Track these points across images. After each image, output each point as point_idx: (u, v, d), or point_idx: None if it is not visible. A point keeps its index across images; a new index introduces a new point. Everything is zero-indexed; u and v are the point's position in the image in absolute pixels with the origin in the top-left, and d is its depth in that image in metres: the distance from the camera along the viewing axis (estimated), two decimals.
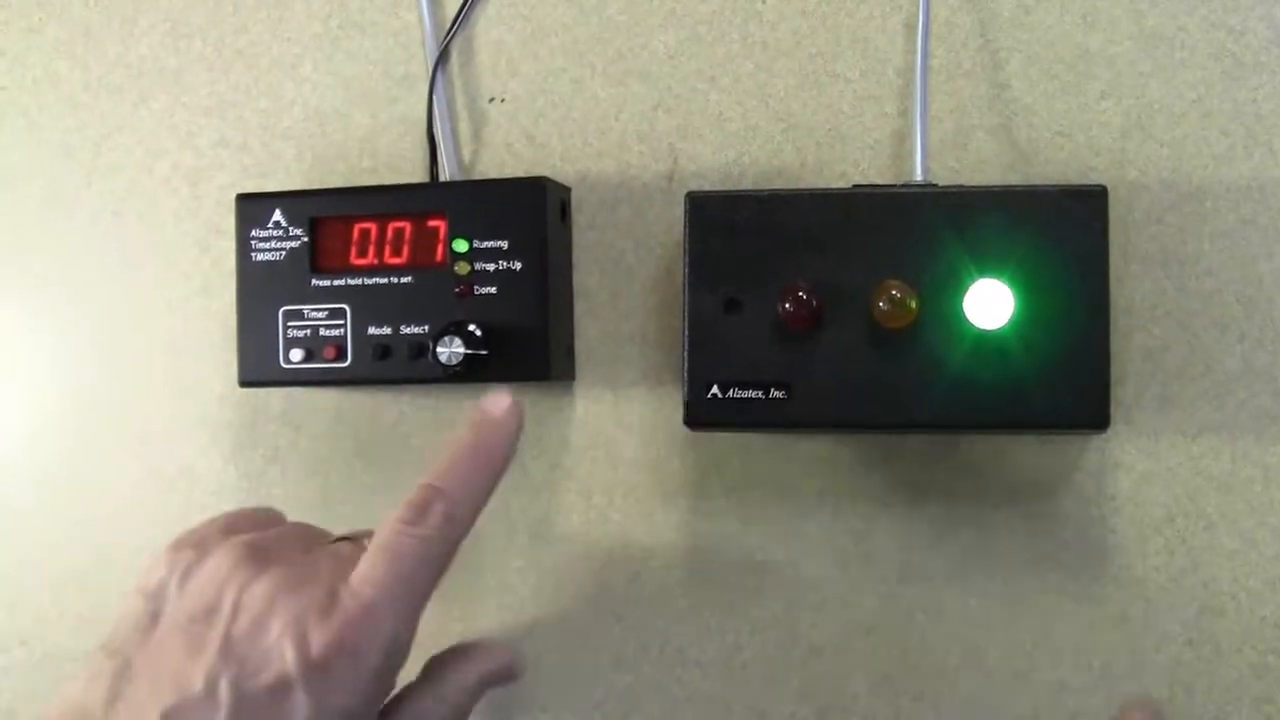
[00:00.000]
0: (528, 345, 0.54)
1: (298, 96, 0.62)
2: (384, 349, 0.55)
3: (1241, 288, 0.52)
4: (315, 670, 0.40)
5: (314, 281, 0.56)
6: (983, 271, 0.48)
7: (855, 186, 0.52)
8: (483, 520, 0.58)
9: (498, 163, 0.59)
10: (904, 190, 0.51)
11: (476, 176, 0.59)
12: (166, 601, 0.43)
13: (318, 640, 0.40)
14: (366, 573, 0.42)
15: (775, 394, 0.50)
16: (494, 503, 0.58)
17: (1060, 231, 0.48)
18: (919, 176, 0.52)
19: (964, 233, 0.48)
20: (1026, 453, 0.54)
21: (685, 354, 0.51)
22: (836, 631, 0.55)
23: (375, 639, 0.41)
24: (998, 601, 0.54)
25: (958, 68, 0.55)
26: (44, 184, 0.65)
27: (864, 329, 0.49)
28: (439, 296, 0.55)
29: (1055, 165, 0.54)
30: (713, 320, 0.50)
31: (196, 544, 0.45)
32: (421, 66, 0.60)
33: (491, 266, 0.54)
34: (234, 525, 0.47)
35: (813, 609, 0.56)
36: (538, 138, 0.59)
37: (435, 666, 0.48)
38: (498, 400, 0.48)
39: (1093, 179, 0.53)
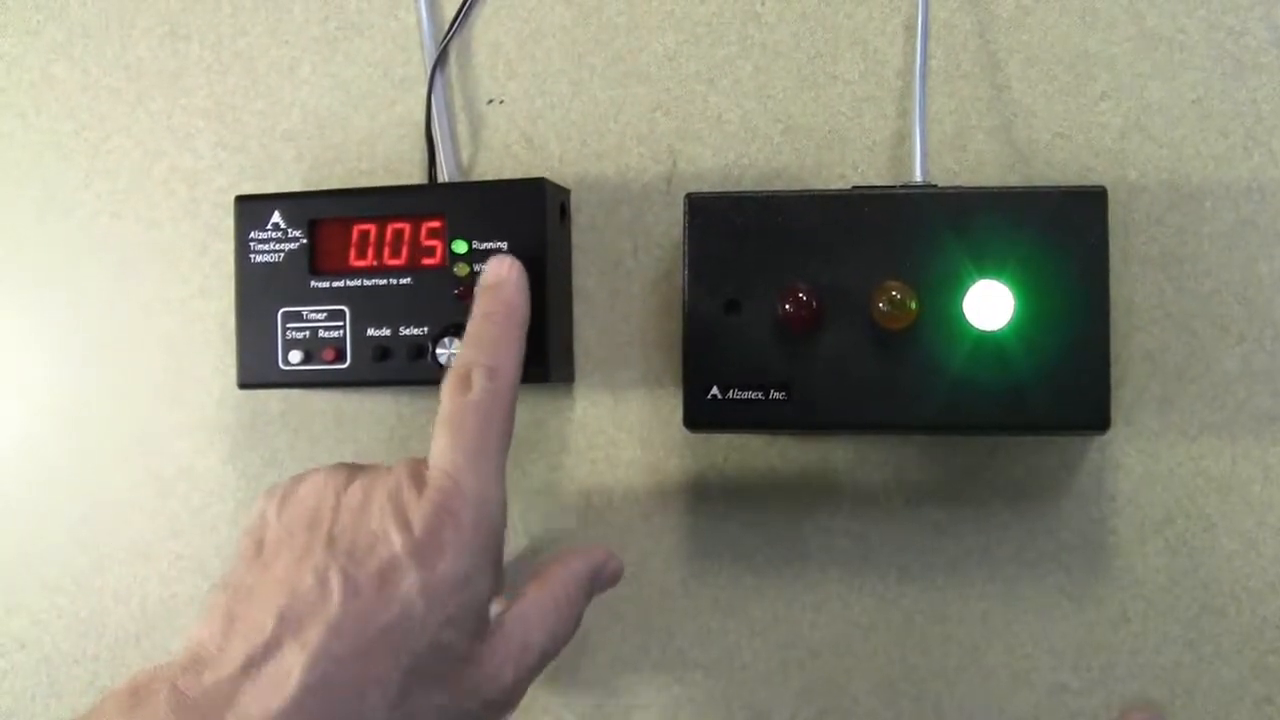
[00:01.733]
0: (527, 347, 0.54)
1: (296, 98, 0.62)
2: (383, 350, 0.55)
3: (1241, 288, 0.52)
4: (420, 541, 0.41)
5: (313, 283, 0.56)
6: (982, 272, 0.48)
7: (855, 188, 0.52)
8: None
9: (496, 164, 0.59)
10: (903, 191, 0.51)
11: (475, 178, 0.59)
12: (268, 529, 0.44)
13: (417, 512, 0.42)
14: (437, 447, 0.44)
15: (775, 395, 0.50)
16: None
17: (1060, 232, 0.48)
18: (918, 178, 0.52)
19: (964, 234, 0.48)
20: (1026, 454, 0.54)
21: (685, 355, 0.51)
22: (836, 632, 0.55)
23: (467, 499, 0.42)
24: (998, 602, 0.54)
25: (957, 69, 0.55)
26: (42, 186, 0.65)
27: (864, 330, 0.49)
28: (438, 298, 0.55)
29: (1055, 166, 0.54)
30: (712, 322, 0.50)
31: (288, 481, 0.46)
32: (420, 68, 0.60)
33: None
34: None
35: (812, 610, 0.56)
36: (536, 139, 0.59)
37: (546, 562, 0.49)
38: (496, 265, 0.49)
39: (1092, 180, 0.53)
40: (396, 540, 0.41)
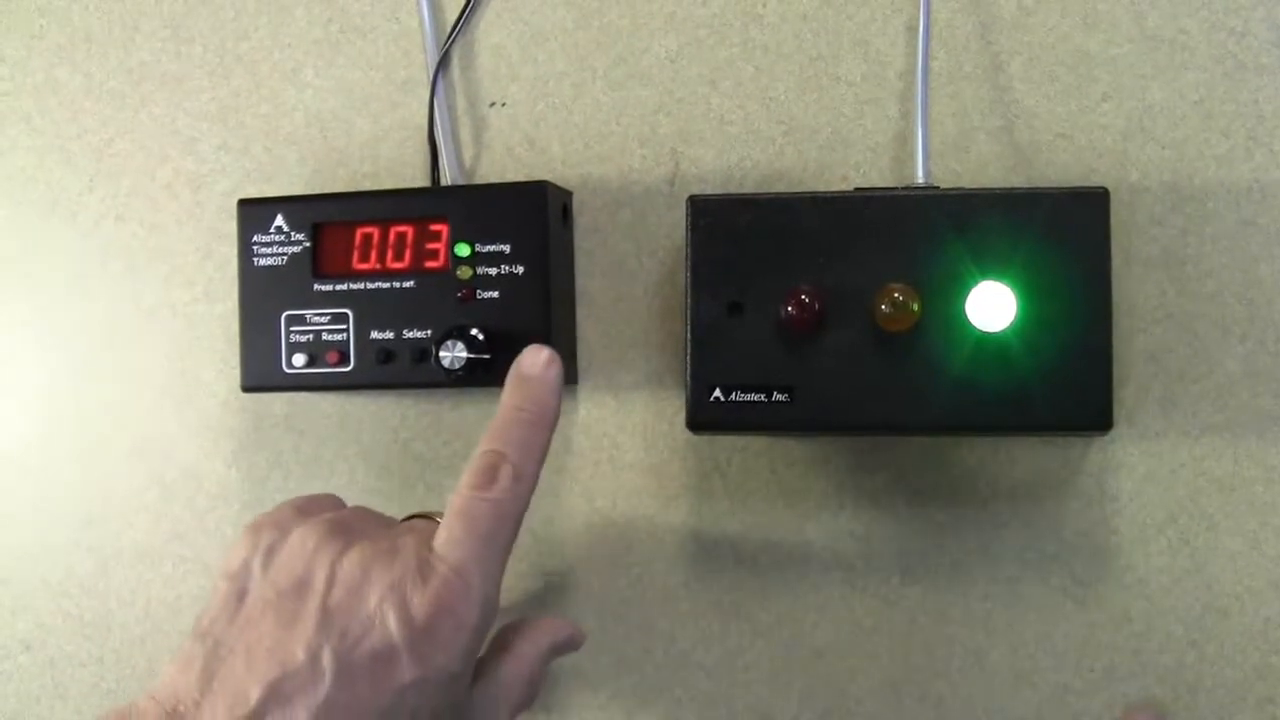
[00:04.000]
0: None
1: (299, 102, 0.62)
2: (387, 353, 0.55)
3: (1243, 289, 0.52)
4: (419, 634, 0.40)
5: (316, 286, 0.56)
6: (985, 274, 0.48)
7: (857, 189, 0.52)
8: None
9: (499, 167, 0.59)
10: (906, 193, 0.51)
11: (478, 181, 0.59)
12: (251, 580, 0.43)
13: (418, 605, 0.41)
14: (449, 538, 0.43)
15: (778, 397, 0.50)
16: None
17: (1062, 233, 0.48)
18: (920, 179, 0.52)
19: (966, 235, 0.49)
20: (1029, 454, 0.54)
21: (687, 357, 0.51)
22: (839, 633, 0.55)
23: (470, 598, 0.42)
24: (1000, 603, 0.54)
25: (959, 70, 0.55)
26: (46, 190, 0.65)
27: (866, 332, 0.49)
28: (441, 301, 0.55)
29: (1057, 167, 0.54)
30: (715, 323, 0.50)
31: (275, 524, 0.45)
32: (422, 71, 0.60)
33: (493, 270, 0.54)
34: (306, 508, 0.47)
35: (815, 611, 0.56)
36: (539, 142, 0.59)
37: (509, 634, 0.49)
38: (534, 356, 0.47)
39: (1094, 181, 0.53)
40: (395, 630, 0.40)
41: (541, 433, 0.46)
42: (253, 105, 0.62)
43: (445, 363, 0.54)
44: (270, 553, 0.43)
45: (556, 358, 0.47)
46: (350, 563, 0.42)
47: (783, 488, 0.56)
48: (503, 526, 0.44)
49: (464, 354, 0.53)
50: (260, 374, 0.57)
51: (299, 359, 0.56)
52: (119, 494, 0.63)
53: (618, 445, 0.58)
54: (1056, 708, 0.53)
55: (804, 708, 0.55)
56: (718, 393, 0.50)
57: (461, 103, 0.60)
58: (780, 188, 0.56)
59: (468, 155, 0.60)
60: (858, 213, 0.50)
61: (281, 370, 0.57)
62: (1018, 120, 0.54)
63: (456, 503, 0.44)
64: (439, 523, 0.45)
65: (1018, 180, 0.54)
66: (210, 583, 0.61)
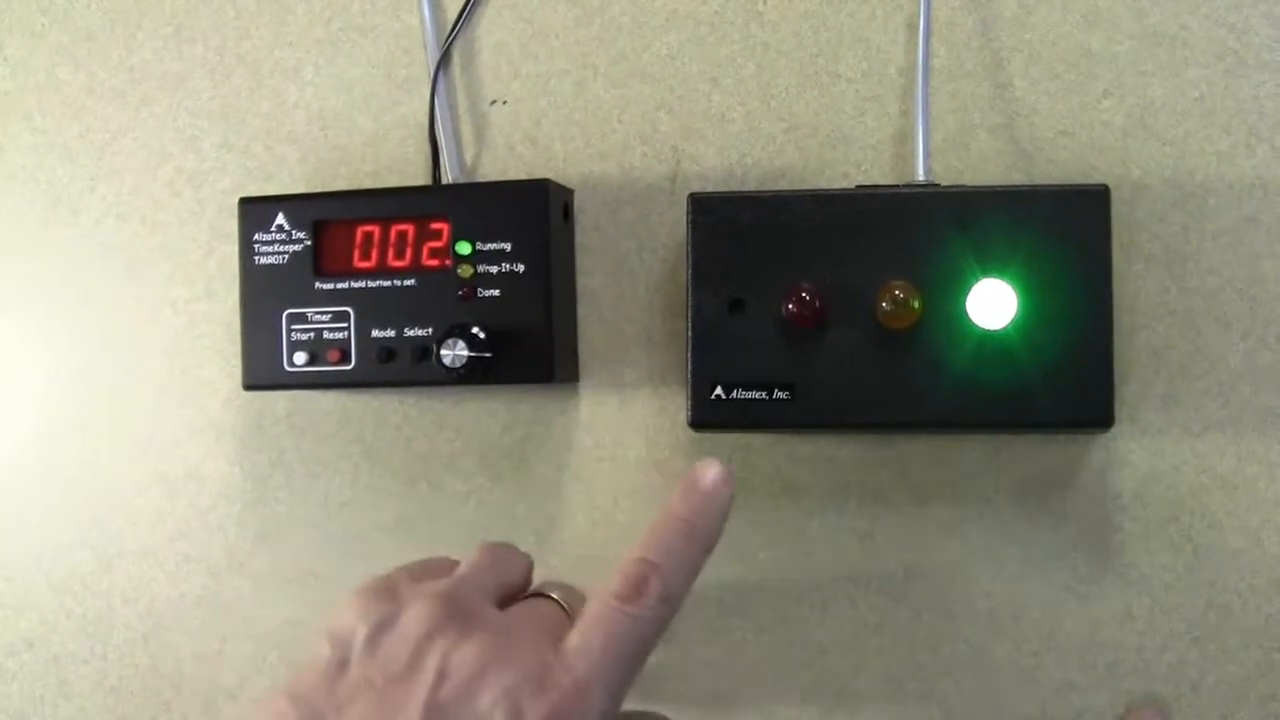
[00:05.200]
0: (531, 347, 0.54)
1: (300, 100, 0.62)
2: (388, 352, 0.55)
3: (1245, 285, 0.52)
4: None
5: (317, 285, 0.56)
6: (986, 271, 0.48)
7: (858, 187, 0.52)
8: (488, 522, 0.59)
9: (500, 165, 0.59)
10: (907, 190, 0.51)
11: (479, 179, 0.59)
12: (355, 651, 0.40)
13: (532, 715, 0.38)
14: (580, 647, 0.40)
15: (779, 395, 0.50)
16: (498, 505, 0.58)
17: (1063, 231, 0.48)
18: (921, 176, 0.52)
19: (967, 232, 0.49)
20: (1031, 452, 0.54)
21: (689, 355, 0.51)
22: (843, 630, 0.55)
23: (587, 716, 0.39)
24: (1003, 600, 0.54)
25: (959, 67, 0.55)
26: (48, 188, 0.65)
27: (868, 329, 0.49)
28: (442, 299, 0.55)
29: (1058, 164, 0.54)
30: (716, 321, 0.50)
31: (388, 594, 0.42)
32: (423, 69, 0.60)
33: (495, 269, 0.54)
34: (421, 575, 0.45)
35: (819, 608, 0.56)
36: (540, 140, 0.59)
37: None
38: (710, 469, 0.44)
39: (1095, 178, 0.53)
40: None
41: (702, 554, 0.43)
42: (254, 104, 0.62)
43: (446, 361, 0.54)
44: (380, 628, 0.41)
45: (732, 474, 0.44)
46: (464, 656, 0.39)
47: (785, 485, 0.56)
48: (638, 646, 0.41)
49: (465, 352, 0.53)
50: (261, 372, 0.57)
51: (300, 357, 0.57)
52: (121, 492, 0.63)
53: (620, 443, 0.58)
54: (1060, 704, 0.53)
55: (807, 705, 0.55)
56: (719, 391, 0.50)
57: (462, 101, 0.60)
58: (781, 185, 0.56)
59: (469, 153, 0.60)
60: (858, 210, 0.50)
61: (283, 369, 0.57)
62: (1019, 117, 0.54)
63: (596, 608, 0.41)
64: (556, 601, 0.43)
65: (1019, 177, 0.54)
66: (214, 582, 0.62)
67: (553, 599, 0.46)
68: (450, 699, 0.38)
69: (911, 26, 0.55)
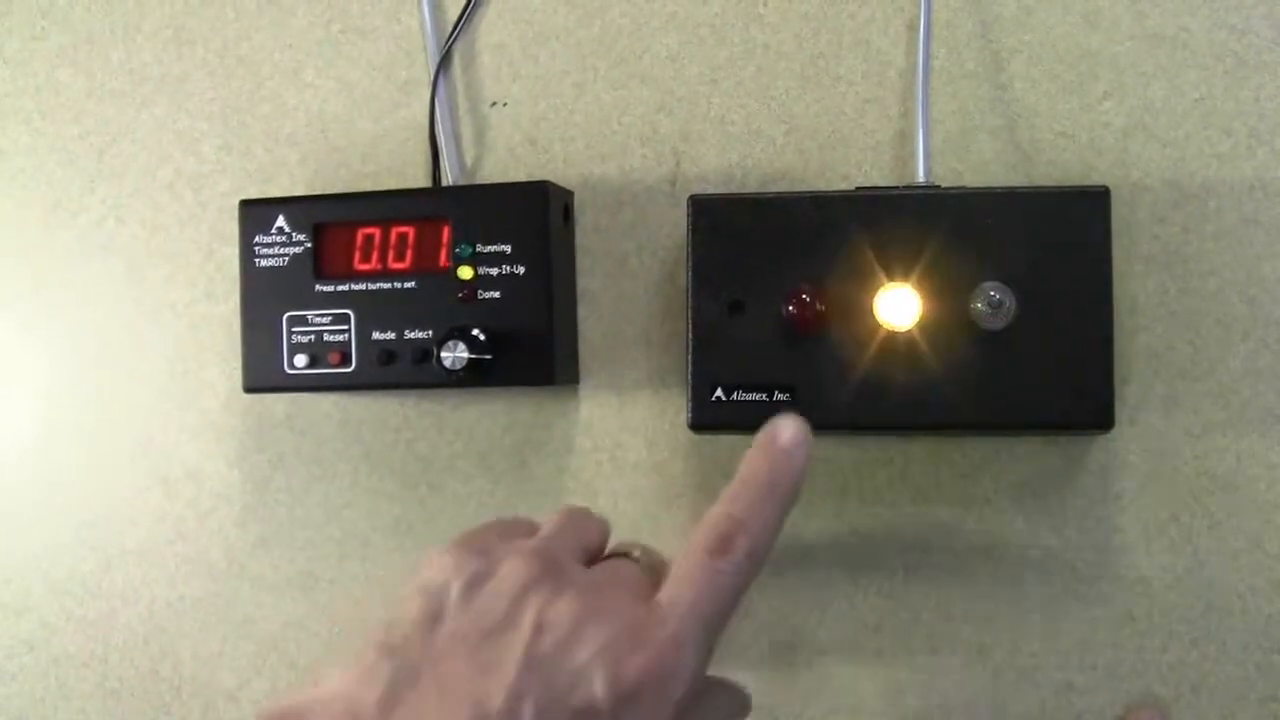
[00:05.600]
0: (532, 349, 0.54)
1: (300, 102, 0.62)
2: (388, 354, 0.55)
3: (1245, 287, 0.52)
4: (624, 700, 0.37)
5: (318, 287, 0.56)
6: (986, 273, 0.48)
7: (858, 188, 0.52)
8: None
9: (500, 167, 0.59)
10: (907, 192, 0.51)
11: (479, 181, 0.59)
12: (448, 606, 0.40)
13: (630, 669, 0.38)
14: (671, 603, 0.40)
15: (779, 396, 0.50)
16: (499, 507, 0.58)
17: (1063, 232, 0.48)
18: (921, 178, 0.52)
19: (967, 234, 0.49)
20: (1031, 452, 0.54)
21: (689, 357, 0.51)
22: (843, 632, 0.55)
23: (681, 672, 0.39)
24: (1003, 601, 0.54)
25: (960, 69, 0.55)
26: (48, 190, 0.65)
27: (868, 331, 0.49)
28: (443, 301, 0.55)
29: (1058, 166, 0.54)
30: (717, 323, 0.50)
31: (480, 550, 0.42)
32: (423, 71, 0.60)
33: (495, 271, 0.54)
34: (508, 533, 0.44)
35: (818, 609, 0.56)
36: (540, 141, 0.59)
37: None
38: (788, 426, 0.43)
39: (1095, 179, 0.53)
40: (601, 692, 0.37)
41: (783, 511, 0.42)
42: (254, 106, 0.63)
43: (447, 363, 0.54)
44: (474, 582, 0.40)
45: (810, 436, 0.43)
46: (560, 611, 0.39)
47: None
48: (727, 603, 0.40)
49: (465, 354, 0.53)
50: (262, 375, 0.57)
51: (300, 360, 0.57)
52: (121, 494, 0.63)
53: (620, 445, 0.58)
54: (1059, 705, 0.53)
55: (808, 705, 0.55)
56: (719, 392, 0.50)
57: (463, 103, 0.60)
58: (781, 187, 0.56)
59: (469, 155, 0.60)
60: (859, 212, 0.50)
61: (283, 371, 0.57)
62: (1019, 119, 0.54)
63: (685, 565, 0.41)
64: (638, 563, 0.43)
65: (1019, 179, 0.54)
66: (214, 584, 0.62)
67: (633, 558, 0.46)
68: (548, 652, 0.38)
69: (911, 28, 0.55)
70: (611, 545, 0.48)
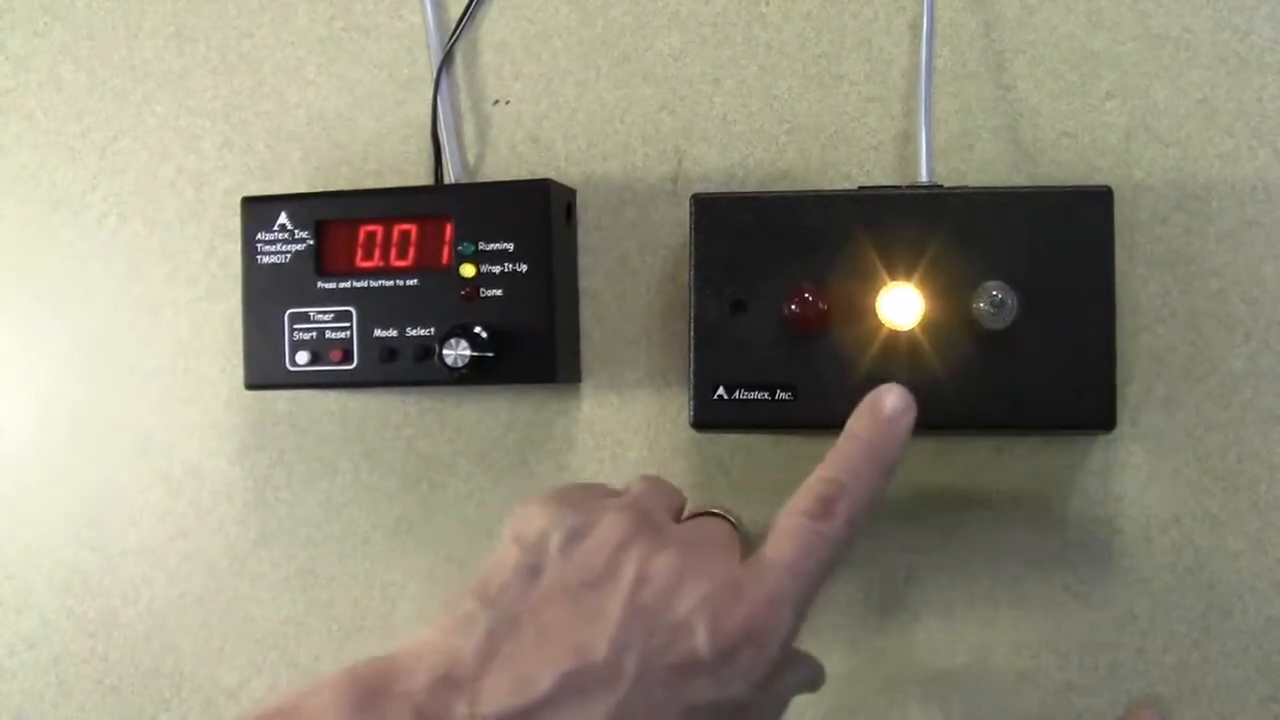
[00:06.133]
0: (534, 347, 0.54)
1: (302, 100, 0.62)
2: (390, 351, 0.55)
3: (1247, 288, 0.52)
4: (723, 654, 0.38)
5: (320, 284, 0.56)
6: (988, 272, 0.48)
7: (860, 188, 0.52)
8: (489, 523, 0.59)
9: (502, 165, 0.59)
10: (909, 192, 0.51)
11: (481, 179, 0.60)
12: (547, 557, 0.40)
13: (730, 623, 0.38)
14: (770, 561, 0.40)
15: (781, 395, 0.50)
16: (500, 505, 0.58)
17: (1065, 232, 0.48)
18: (924, 178, 0.52)
19: (969, 234, 0.49)
20: (1032, 453, 0.54)
21: (691, 355, 0.51)
22: (842, 631, 0.55)
23: (779, 629, 0.39)
24: (1004, 601, 0.54)
25: (962, 69, 0.55)
26: (49, 187, 0.65)
27: (870, 330, 0.49)
28: (445, 299, 0.55)
29: (1060, 166, 0.54)
30: (718, 322, 0.50)
31: (577, 505, 0.42)
32: (426, 69, 0.60)
33: (497, 269, 0.54)
34: (593, 491, 0.44)
35: (819, 608, 0.55)
36: (542, 140, 0.59)
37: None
38: (891, 394, 0.44)
39: (1098, 179, 0.53)
40: (702, 645, 0.37)
41: (884, 479, 0.42)
42: (256, 103, 0.63)
43: (448, 361, 0.54)
44: (575, 535, 0.40)
45: (914, 406, 0.43)
46: (662, 564, 0.39)
47: (787, 486, 0.55)
48: (824, 563, 0.40)
49: (467, 352, 0.53)
50: (263, 372, 0.57)
51: (302, 357, 0.57)
52: (122, 492, 0.63)
53: (621, 444, 0.58)
54: (1060, 706, 0.53)
55: (808, 706, 0.55)
56: (721, 391, 0.50)
57: (465, 101, 0.60)
58: (783, 186, 0.56)
59: (471, 153, 0.60)
60: (861, 211, 0.50)
61: (285, 368, 0.57)
62: (1021, 119, 0.54)
63: (786, 524, 0.41)
64: (731, 523, 0.43)
65: (1021, 179, 0.54)
66: (215, 581, 0.62)
67: (723, 516, 0.46)
68: (650, 604, 0.38)
69: (914, 28, 0.55)
70: (694, 508, 0.47)
